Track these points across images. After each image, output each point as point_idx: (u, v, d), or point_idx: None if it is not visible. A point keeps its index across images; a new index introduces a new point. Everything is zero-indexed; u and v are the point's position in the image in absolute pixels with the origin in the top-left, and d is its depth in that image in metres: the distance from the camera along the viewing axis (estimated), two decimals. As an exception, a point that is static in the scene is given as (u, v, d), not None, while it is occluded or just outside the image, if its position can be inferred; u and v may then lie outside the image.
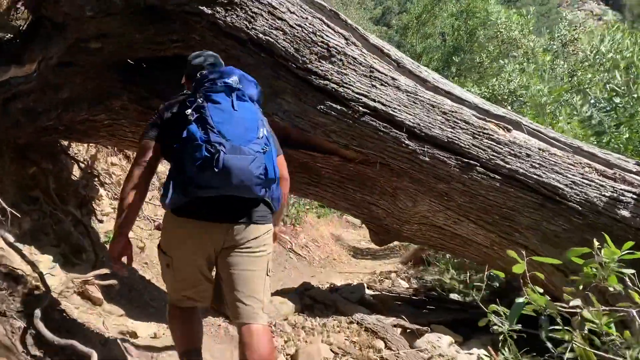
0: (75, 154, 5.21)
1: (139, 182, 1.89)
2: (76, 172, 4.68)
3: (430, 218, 3.07)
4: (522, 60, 9.13)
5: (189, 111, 1.78)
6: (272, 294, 3.74)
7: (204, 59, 2.16)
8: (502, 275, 1.70)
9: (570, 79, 8.25)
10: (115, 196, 5.47)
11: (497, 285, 4.08)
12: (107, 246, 4.62)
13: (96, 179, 4.76)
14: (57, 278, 3.11)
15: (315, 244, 8.37)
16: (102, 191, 5.17)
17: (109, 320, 3.12)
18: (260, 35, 2.70)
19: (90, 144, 4.67)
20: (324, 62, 2.83)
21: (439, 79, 3.12)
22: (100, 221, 4.77)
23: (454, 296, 4.04)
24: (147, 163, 1.92)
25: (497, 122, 2.92)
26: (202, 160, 1.68)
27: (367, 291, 3.99)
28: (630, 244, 1.49)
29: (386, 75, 2.88)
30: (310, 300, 3.40)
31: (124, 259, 1.94)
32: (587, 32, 8.51)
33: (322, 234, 9.88)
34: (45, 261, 3.16)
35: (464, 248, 3.19)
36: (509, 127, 2.90)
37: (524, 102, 5.61)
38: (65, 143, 4.91)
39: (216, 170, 1.67)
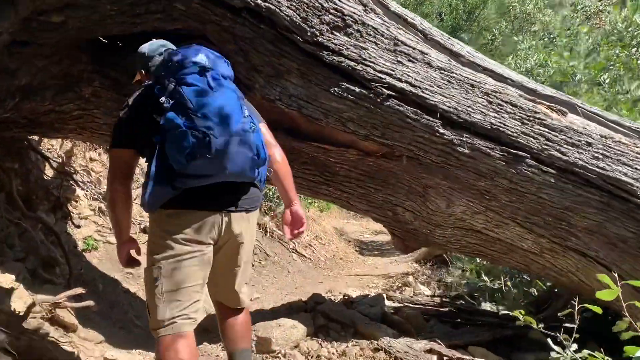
0: (48, 149, 4.79)
1: (123, 194, 1.84)
2: (49, 171, 4.26)
3: (467, 221, 2.68)
4: (542, 36, 8.68)
5: (162, 99, 1.67)
6: (279, 313, 3.35)
7: (158, 45, 2.07)
8: (598, 310, 1.30)
9: (595, 54, 7.81)
10: (95, 196, 5.05)
11: (535, 294, 3.70)
12: (85, 255, 4.22)
13: (72, 178, 4.33)
14: (20, 302, 2.70)
15: (320, 242, 7.98)
16: (79, 191, 4.75)
17: (85, 350, 2.72)
18: (259, 1, 2.28)
19: (65, 139, 4.24)
20: (337, 33, 2.41)
21: (474, 52, 2.70)
22: (77, 226, 4.36)
23: (486, 306, 3.66)
24: (123, 174, 1.84)
25: (548, 103, 2.50)
26: (190, 148, 1.61)
27: (387, 302, 3.61)
28: None
29: (414, 49, 2.46)
30: (324, 320, 3.01)
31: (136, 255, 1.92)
32: (614, 3, 8.07)
33: (325, 229, 9.49)
34: (6, 281, 2.75)
35: (507, 255, 2.79)
36: (564, 109, 2.48)
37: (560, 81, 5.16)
38: (36, 138, 4.49)
39: (209, 156, 1.63)
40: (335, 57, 2.41)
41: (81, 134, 2.97)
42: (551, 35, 8.39)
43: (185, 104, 1.64)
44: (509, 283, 3.70)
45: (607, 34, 7.76)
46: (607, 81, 4.75)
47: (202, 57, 1.76)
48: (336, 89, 2.43)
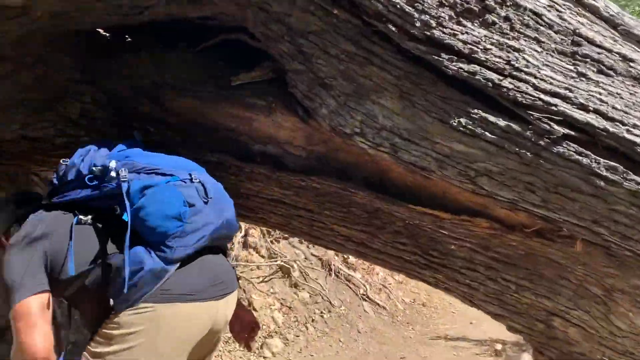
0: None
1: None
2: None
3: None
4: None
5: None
6: None
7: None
8: None
9: None
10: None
11: None
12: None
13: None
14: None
15: (395, 278, 6.99)
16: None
17: None
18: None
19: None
20: (468, 23, 1.50)
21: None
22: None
23: None
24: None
25: None
26: (176, 200, 1.48)
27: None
28: None
29: (608, 51, 1.49)
30: None
31: None
32: None
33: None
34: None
35: None
36: None
37: None
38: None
39: (205, 202, 1.55)
40: (463, 65, 1.48)
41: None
42: None
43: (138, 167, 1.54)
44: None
45: None
46: None
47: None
48: (463, 120, 1.50)
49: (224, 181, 1.94)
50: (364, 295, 5.63)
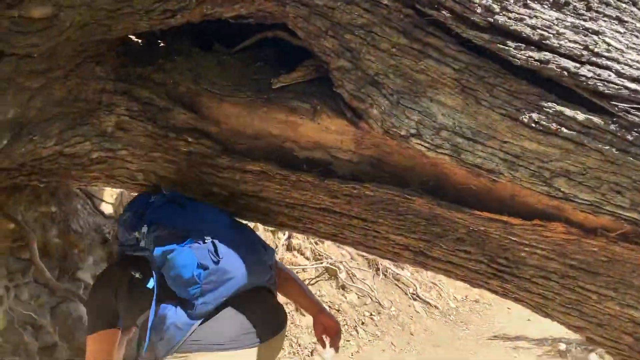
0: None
1: None
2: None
3: None
4: None
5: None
6: None
7: None
8: None
9: None
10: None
11: None
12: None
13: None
14: None
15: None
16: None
17: None
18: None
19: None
20: (537, 6, 1.34)
21: None
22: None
23: None
24: None
25: None
26: (191, 264, 1.60)
27: None
28: None
29: None
30: None
31: None
32: None
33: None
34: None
35: None
36: None
37: None
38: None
39: (215, 262, 1.63)
40: (533, 54, 1.33)
41: (109, 183, 2.14)
42: None
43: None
44: None
45: None
46: None
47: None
48: (535, 115, 1.35)
49: (269, 190, 1.85)
50: (413, 294, 5.48)
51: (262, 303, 1.77)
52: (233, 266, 1.65)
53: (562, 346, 4.14)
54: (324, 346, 2.00)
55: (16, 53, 1.63)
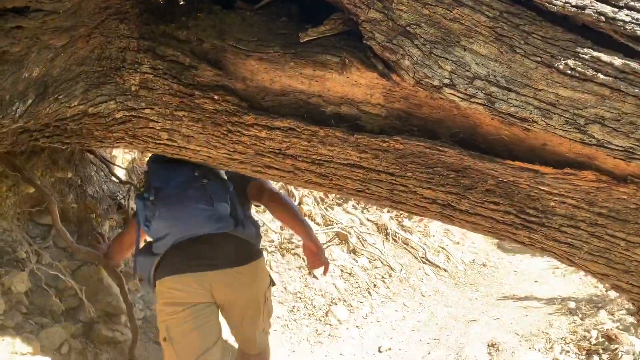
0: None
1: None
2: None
3: None
4: None
5: None
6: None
7: None
8: None
9: None
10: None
11: None
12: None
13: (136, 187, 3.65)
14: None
15: (451, 239, 6.88)
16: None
17: None
18: None
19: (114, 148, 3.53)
20: None
21: None
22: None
23: None
24: None
25: None
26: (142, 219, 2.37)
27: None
28: None
29: None
30: None
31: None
32: None
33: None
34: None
35: None
36: None
37: None
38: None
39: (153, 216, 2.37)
40: (570, 0, 1.33)
41: (132, 143, 2.16)
42: None
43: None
44: None
45: None
46: None
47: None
48: (571, 62, 1.36)
49: (295, 147, 1.87)
50: (423, 258, 5.55)
51: (216, 244, 2.26)
52: (169, 223, 2.25)
53: (572, 304, 4.23)
54: (311, 266, 2.71)
55: (42, 9, 1.63)
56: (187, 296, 2.21)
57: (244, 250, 2.33)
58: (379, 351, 3.52)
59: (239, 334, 2.50)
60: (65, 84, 1.90)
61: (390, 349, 3.55)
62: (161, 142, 2.10)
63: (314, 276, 4.34)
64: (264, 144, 1.93)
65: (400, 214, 6.34)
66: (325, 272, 2.64)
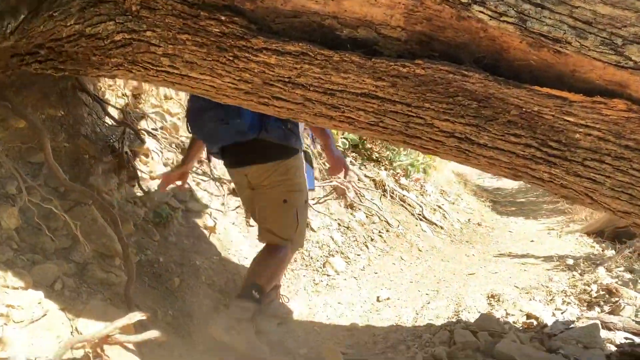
0: (110, 86, 4.05)
1: None
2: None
3: None
4: None
5: None
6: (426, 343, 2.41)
7: None
8: None
9: None
10: (171, 147, 4.31)
11: None
12: (157, 231, 3.50)
13: (132, 128, 3.56)
14: (51, 334, 1.98)
15: (447, 199, 6.88)
16: (149, 142, 4.01)
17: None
18: None
19: (112, 78, 3.43)
20: None
21: None
22: (147, 191, 3.62)
23: None
24: None
25: None
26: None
27: (604, 333, 2.52)
28: None
29: None
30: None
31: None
32: None
33: (449, 179, 8.39)
34: (30, 302, 2.03)
35: None
36: None
37: None
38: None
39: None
40: None
41: (131, 71, 2.06)
42: None
43: None
44: None
45: None
46: None
47: None
48: (613, -26, 1.27)
49: (307, 74, 1.79)
50: (419, 215, 5.54)
51: (246, 148, 2.83)
52: (203, 136, 2.98)
53: (570, 261, 4.24)
54: (331, 171, 3.34)
55: None
56: (237, 180, 3.15)
57: (268, 152, 2.85)
58: (378, 300, 3.52)
59: (260, 219, 3.06)
60: (62, 1, 1.80)
61: (388, 298, 3.55)
62: (162, 69, 2.01)
63: (312, 229, 4.32)
64: (272, 72, 1.84)
65: (398, 173, 6.31)
66: (345, 175, 3.25)
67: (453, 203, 6.86)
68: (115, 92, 4.03)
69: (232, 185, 4.33)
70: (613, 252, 4.60)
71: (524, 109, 1.62)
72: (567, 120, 1.60)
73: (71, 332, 2.05)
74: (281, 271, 3.09)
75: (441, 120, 1.75)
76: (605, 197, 1.72)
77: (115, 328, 2.00)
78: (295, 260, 3.84)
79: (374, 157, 6.01)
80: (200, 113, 2.78)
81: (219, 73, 1.94)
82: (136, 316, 2.09)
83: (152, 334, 2.12)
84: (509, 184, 11.94)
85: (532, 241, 5.51)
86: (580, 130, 1.60)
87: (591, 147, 1.63)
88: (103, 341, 1.99)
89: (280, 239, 2.94)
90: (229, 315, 2.65)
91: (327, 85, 1.81)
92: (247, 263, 3.72)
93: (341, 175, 3.27)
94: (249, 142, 2.79)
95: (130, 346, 2.12)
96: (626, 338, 2.53)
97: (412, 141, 1.91)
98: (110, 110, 3.71)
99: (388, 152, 6.32)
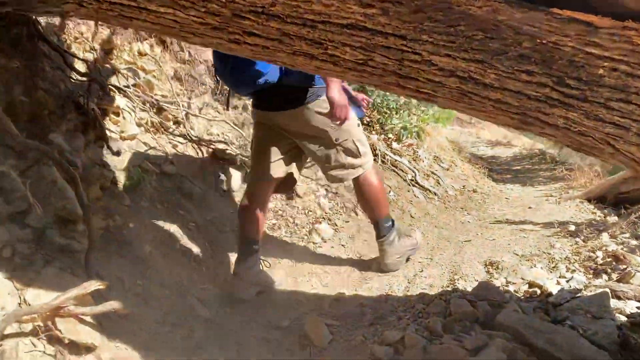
0: (76, 38, 3.77)
1: None
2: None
3: None
4: None
5: None
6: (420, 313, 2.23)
7: None
8: None
9: None
10: (144, 106, 4.04)
11: None
12: (127, 197, 3.26)
13: (99, 83, 3.30)
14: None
15: (441, 165, 6.67)
16: (119, 100, 3.74)
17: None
18: None
19: (64, 18, 3.16)
20: None
21: None
22: (117, 152, 3.38)
23: None
24: None
25: None
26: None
27: (613, 302, 2.35)
28: None
29: None
30: (520, 350, 1.81)
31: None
32: None
33: (443, 146, 8.19)
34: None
35: None
36: None
37: None
38: (55, 22, 3.49)
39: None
40: None
41: (82, 4, 1.80)
42: None
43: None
44: None
45: None
46: None
47: None
48: None
49: (283, 2, 1.55)
50: (412, 180, 5.33)
51: (268, 93, 3.00)
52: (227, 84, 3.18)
53: (572, 227, 4.07)
54: (327, 115, 3.00)
55: None
56: (259, 120, 3.25)
57: (287, 97, 3.00)
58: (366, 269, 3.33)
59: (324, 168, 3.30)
60: None
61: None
62: (117, 0, 1.75)
63: (297, 195, 4.10)
64: (243, 1, 1.59)
65: (389, 137, 6.07)
66: (340, 124, 3.00)
67: (447, 169, 6.65)
68: (82, 45, 3.75)
69: (211, 147, 4.09)
70: (616, 218, 4.42)
71: (539, 40, 1.39)
72: (590, 53, 1.36)
73: (19, 304, 1.83)
74: (379, 192, 3.31)
75: (441, 55, 1.51)
76: (630, 144, 1.50)
77: (67, 298, 1.78)
78: (279, 228, 3.64)
79: (365, 121, 5.78)
80: (222, 60, 2.84)
81: (182, 5, 1.68)
82: (92, 285, 1.88)
83: (112, 305, 1.92)
84: (504, 152, 11.76)
85: (530, 207, 5.33)
86: (605, 64, 1.37)
87: (617, 84, 1.40)
88: (54, 313, 1.78)
89: (352, 170, 3.20)
90: (397, 250, 3.34)
91: (307, 15, 1.56)
92: (227, 229, 3.51)
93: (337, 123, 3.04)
94: (269, 88, 2.90)
95: (88, 319, 1.92)
96: (638, 307, 2.37)
97: (406, 83, 1.68)
98: (77, 65, 3.44)
99: (379, 116, 6.07)
